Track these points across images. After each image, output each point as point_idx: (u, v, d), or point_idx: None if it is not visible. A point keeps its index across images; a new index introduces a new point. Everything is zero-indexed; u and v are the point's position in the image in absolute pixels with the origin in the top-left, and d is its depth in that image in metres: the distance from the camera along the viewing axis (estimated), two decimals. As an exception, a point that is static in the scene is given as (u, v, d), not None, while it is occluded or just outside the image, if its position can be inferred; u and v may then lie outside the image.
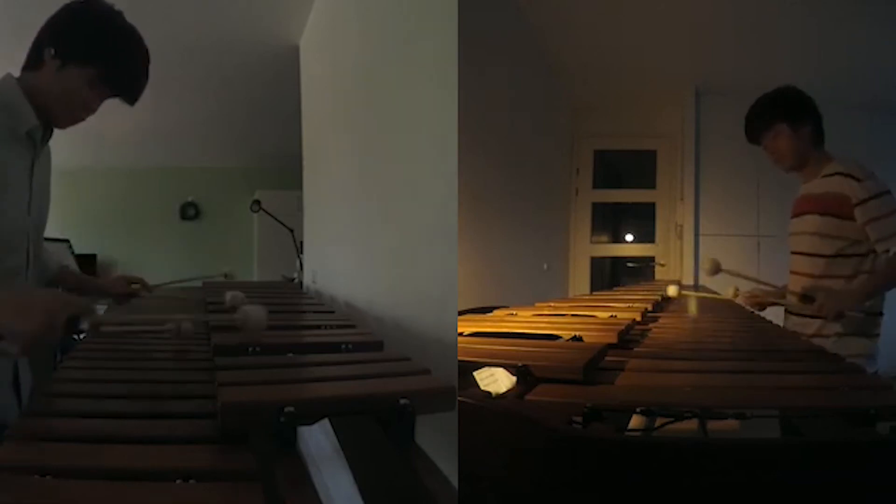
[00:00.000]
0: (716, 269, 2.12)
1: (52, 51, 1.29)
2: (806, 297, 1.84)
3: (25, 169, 1.30)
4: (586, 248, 5.11)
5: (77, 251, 5.06)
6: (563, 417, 0.77)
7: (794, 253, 2.00)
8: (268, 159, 6.05)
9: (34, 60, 1.31)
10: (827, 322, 1.80)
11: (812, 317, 1.85)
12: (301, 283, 3.77)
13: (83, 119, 1.37)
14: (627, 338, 1.37)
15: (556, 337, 1.34)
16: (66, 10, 1.33)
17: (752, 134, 1.98)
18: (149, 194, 6.40)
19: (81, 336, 1.40)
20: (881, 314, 1.86)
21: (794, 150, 1.92)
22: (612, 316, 1.67)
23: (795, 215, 2.00)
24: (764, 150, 1.98)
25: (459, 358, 1.04)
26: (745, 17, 3.27)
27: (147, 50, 1.38)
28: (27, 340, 0.92)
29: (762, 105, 1.98)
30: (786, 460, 0.67)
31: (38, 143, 1.33)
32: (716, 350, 1.36)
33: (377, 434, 0.89)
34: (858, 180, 1.80)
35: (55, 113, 1.33)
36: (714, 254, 2.85)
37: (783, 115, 1.91)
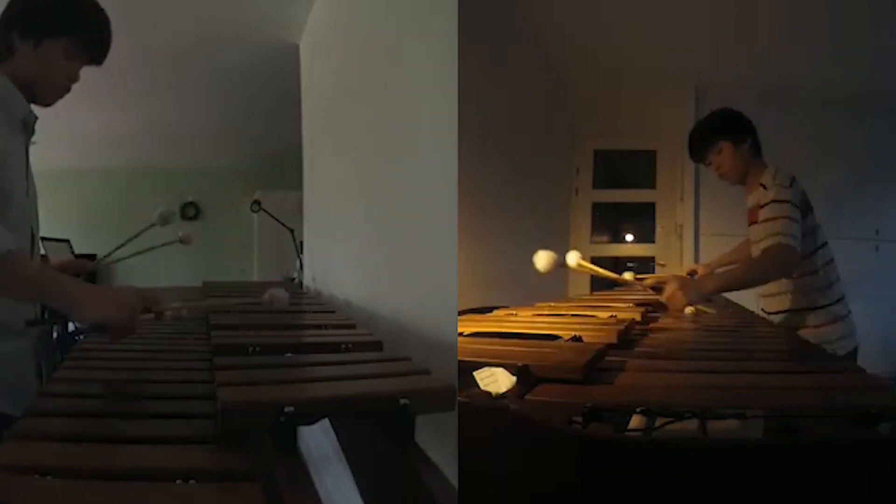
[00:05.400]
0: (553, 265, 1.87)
1: (20, 35, 1.30)
2: None
3: (22, 155, 1.32)
4: (586, 248, 5.10)
5: (77, 251, 5.05)
6: (563, 417, 0.77)
7: None
8: (268, 159, 6.05)
9: (5, 49, 1.32)
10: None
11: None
12: (301, 282, 3.77)
13: (69, 90, 1.39)
14: (627, 338, 1.37)
15: (556, 337, 1.34)
16: None
17: (697, 153, 2.12)
18: (149, 194, 6.40)
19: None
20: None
21: (737, 166, 2.05)
22: (611, 316, 1.67)
23: (750, 224, 2.09)
24: (708, 166, 2.12)
25: (459, 358, 1.04)
26: (746, 17, 3.26)
27: (105, 12, 1.40)
28: (120, 329, 1.07)
29: (705, 126, 2.13)
30: (785, 460, 0.67)
31: (30, 128, 1.35)
32: (716, 350, 1.36)
33: (377, 434, 0.89)
34: (766, 189, 1.90)
35: (41, 91, 1.35)
36: (714, 254, 2.84)
37: (725, 134, 2.04)
